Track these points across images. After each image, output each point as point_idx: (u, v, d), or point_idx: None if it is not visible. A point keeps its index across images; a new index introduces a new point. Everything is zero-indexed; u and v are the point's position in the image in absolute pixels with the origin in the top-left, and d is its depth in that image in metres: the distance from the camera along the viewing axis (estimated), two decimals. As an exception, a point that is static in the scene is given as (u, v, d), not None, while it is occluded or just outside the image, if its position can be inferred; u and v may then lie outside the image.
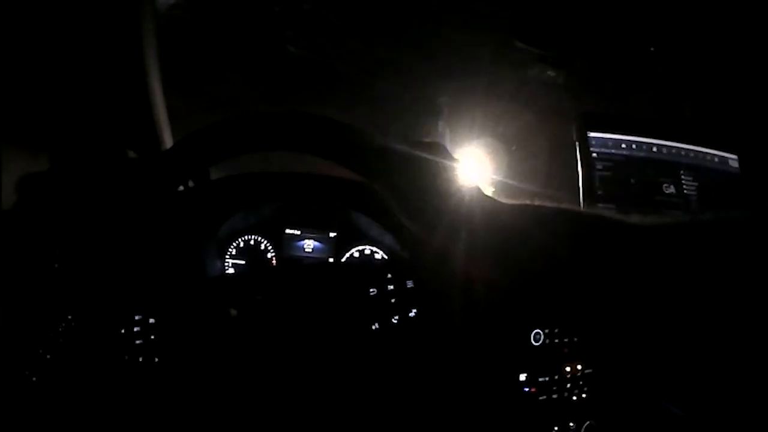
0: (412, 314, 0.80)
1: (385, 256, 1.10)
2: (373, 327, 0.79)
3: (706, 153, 1.10)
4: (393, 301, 0.80)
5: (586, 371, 0.89)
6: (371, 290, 0.79)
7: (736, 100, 1.26)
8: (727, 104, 1.29)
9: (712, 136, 1.12)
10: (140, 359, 0.73)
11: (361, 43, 1.80)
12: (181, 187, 0.89)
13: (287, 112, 0.64)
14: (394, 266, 0.82)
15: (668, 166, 1.08)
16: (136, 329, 0.73)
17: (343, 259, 1.11)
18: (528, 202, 0.67)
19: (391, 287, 0.79)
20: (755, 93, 1.21)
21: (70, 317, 0.72)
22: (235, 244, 1.09)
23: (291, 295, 0.79)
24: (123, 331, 0.73)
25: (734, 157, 1.11)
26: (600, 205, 1.01)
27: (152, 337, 0.74)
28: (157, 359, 0.73)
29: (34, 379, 0.70)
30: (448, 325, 0.77)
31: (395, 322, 0.79)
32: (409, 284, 0.80)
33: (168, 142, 1.18)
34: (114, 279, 0.71)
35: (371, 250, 1.11)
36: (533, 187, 1.51)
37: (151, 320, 0.74)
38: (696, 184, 1.07)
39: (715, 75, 1.35)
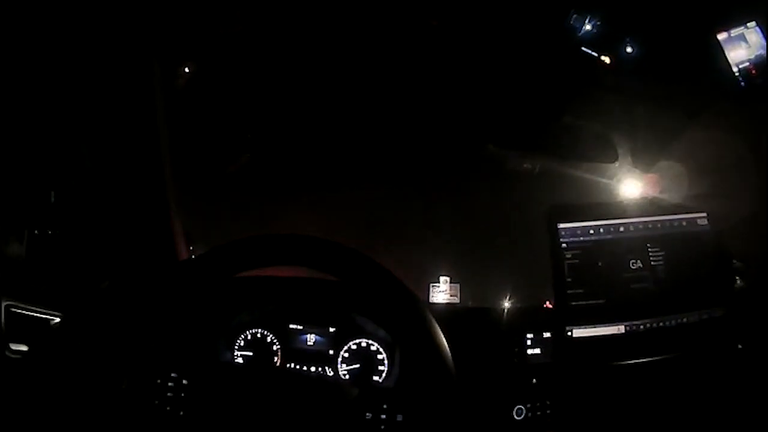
0: None
1: (380, 348, 1.20)
2: None
3: (674, 219, 1.16)
4: (382, 428, 0.87)
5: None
6: (367, 414, 0.87)
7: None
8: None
9: (679, 201, 1.22)
10: (168, 408, 0.82)
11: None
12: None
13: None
14: (391, 398, 0.89)
15: (635, 243, 1.15)
16: (170, 384, 0.84)
17: (342, 351, 1.20)
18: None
19: (384, 416, 0.87)
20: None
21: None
22: (243, 336, 1.19)
23: (293, 398, 0.86)
24: (159, 381, 0.84)
25: (703, 215, 1.16)
26: (569, 291, 1.11)
27: (182, 394, 0.83)
28: (181, 413, 0.82)
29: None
30: None
31: None
32: (399, 417, 0.87)
33: (183, 251, 1.32)
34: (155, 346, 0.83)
35: (367, 343, 1.21)
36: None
37: (185, 381, 0.84)
38: (663, 253, 1.13)
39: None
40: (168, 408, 0.83)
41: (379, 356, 1.19)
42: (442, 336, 0.81)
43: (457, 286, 1.54)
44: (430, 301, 1.50)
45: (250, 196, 1.93)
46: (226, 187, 1.93)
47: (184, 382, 0.85)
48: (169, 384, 0.85)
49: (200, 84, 1.75)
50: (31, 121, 1.19)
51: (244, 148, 1.99)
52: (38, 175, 1.22)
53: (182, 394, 0.84)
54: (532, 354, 1.12)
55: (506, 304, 1.25)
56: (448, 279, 1.54)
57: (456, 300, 1.53)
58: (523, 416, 0.98)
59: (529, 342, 1.13)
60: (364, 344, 1.21)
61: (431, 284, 1.54)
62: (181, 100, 1.69)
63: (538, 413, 0.99)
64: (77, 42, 1.12)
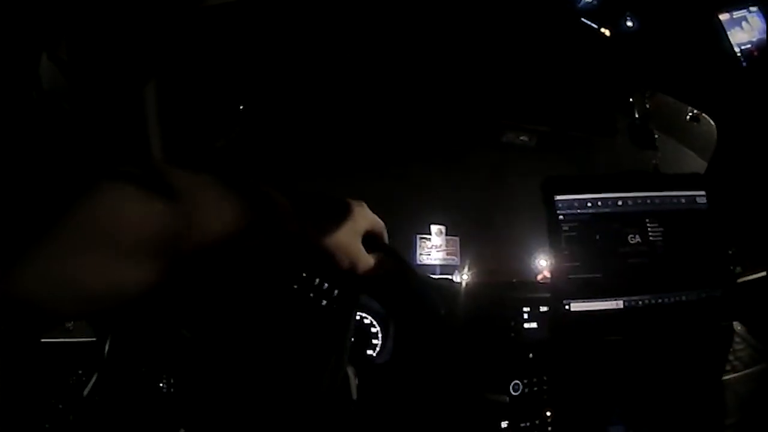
0: None
1: (374, 322, 1.18)
2: None
3: (672, 196, 1.14)
4: None
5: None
6: None
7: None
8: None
9: (678, 178, 1.19)
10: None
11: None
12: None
13: None
14: None
15: (634, 217, 1.13)
16: None
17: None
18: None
19: None
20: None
21: None
22: None
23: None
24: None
25: (702, 193, 1.15)
26: (566, 264, 1.09)
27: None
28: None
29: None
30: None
31: None
32: None
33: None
34: None
35: (361, 316, 1.18)
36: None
37: None
38: (662, 229, 1.12)
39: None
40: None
41: (373, 329, 1.17)
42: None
43: (457, 240, 1.24)
44: (418, 261, 1.20)
45: (239, 171, 1.88)
46: (214, 163, 1.88)
47: None
48: None
49: (189, 51, 1.69)
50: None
51: (235, 121, 1.93)
52: (34, 165, 1.18)
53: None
54: (528, 328, 1.10)
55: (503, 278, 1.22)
56: (442, 229, 1.22)
57: (454, 260, 1.22)
58: (519, 391, 0.96)
59: (525, 316, 1.11)
60: (357, 317, 1.18)
61: (419, 236, 1.20)
62: (170, 68, 1.63)
63: (535, 388, 0.97)
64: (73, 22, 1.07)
